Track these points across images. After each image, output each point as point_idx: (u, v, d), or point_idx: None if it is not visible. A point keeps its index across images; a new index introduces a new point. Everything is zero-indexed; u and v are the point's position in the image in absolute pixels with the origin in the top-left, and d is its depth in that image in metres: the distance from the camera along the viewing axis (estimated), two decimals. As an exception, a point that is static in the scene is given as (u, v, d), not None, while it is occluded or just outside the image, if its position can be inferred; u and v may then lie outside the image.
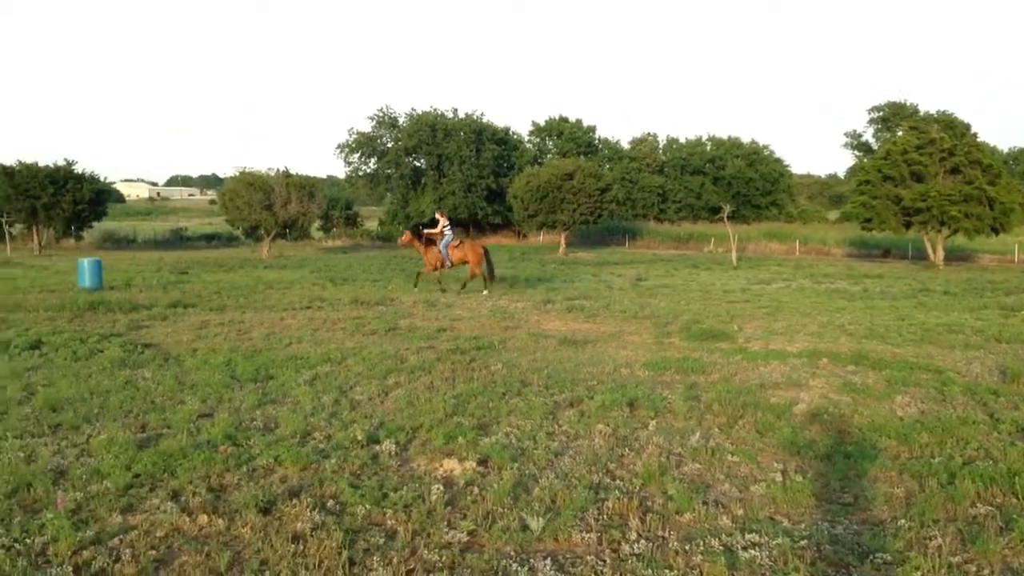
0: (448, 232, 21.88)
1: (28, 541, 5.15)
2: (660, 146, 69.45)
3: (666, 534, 5.41)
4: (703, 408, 8.73)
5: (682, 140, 69.81)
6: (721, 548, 5.21)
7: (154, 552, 5.06)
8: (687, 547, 5.21)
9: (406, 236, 22.74)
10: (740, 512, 5.85)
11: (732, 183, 65.81)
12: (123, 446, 6.98)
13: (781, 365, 11.24)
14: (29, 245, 42.16)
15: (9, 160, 42.73)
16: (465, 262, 21.97)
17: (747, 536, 5.38)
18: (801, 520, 5.78)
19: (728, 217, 39.10)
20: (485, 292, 21.12)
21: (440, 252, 21.65)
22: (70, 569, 4.78)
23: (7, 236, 40.81)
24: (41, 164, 42.27)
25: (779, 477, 6.57)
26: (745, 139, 69.67)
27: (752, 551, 5.16)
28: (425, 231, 22.44)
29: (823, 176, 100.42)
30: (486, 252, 22.14)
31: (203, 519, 5.55)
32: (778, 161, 69.24)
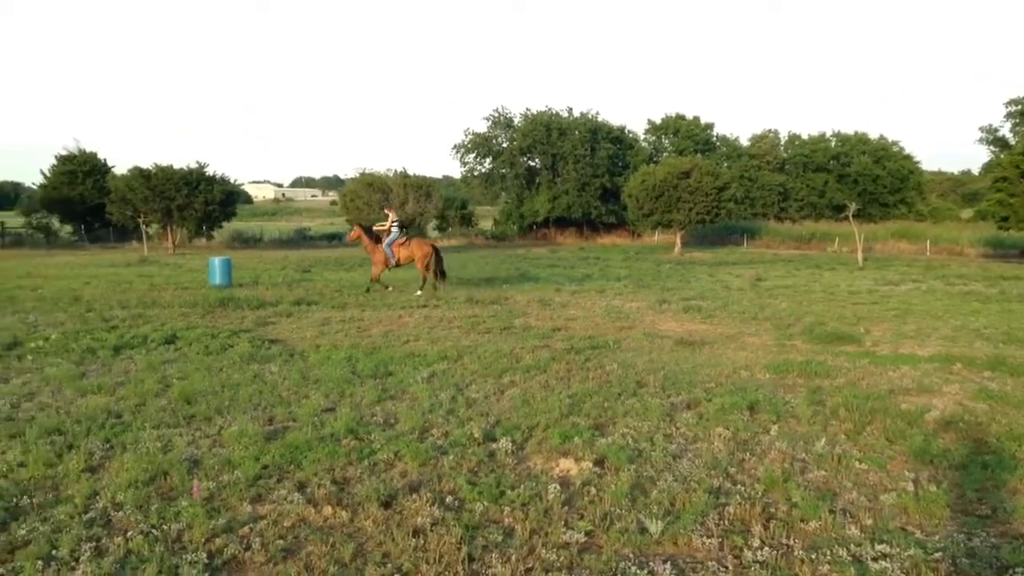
0: (395, 230, 21.20)
1: (165, 527, 5.39)
2: (781, 143, 67.55)
3: (791, 542, 5.25)
4: (828, 413, 8.44)
5: (804, 136, 67.72)
6: (849, 558, 5.02)
7: (282, 541, 5.23)
8: (813, 556, 5.04)
9: (355, 232, 22.01)
10: (869, 522, 5.62)
11: (858, 180, 63.45)
12: (252, 438, 7.26)
13: (912, 370, 10.78)
14: (164, 244, 44.31)
15: (146, 163, 45.06)
16: (412, 260, 21.15)
17: (877, 547, 5.17)
18: (935, 532, 5.52)
19: (853, 216, 37.65)
20: (419, 293, 20.20)
21: (384, 250, 21.01)
22: (204, 555, 4.98)
23: (144, 236, 43.04)
24: (176, 167, 44.41)
25: (911, 486, 6.29)
26: (873, 135, 67.11)
27: (882, 562, 4.96)
28: (375, 227, 21.92)
29: (956, 173, 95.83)
30: (435, 251, 21.31)
31: (328, 511, 5.70)
32: (907, 157, 66.32)
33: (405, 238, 21.53)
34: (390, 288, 20.90)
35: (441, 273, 21.29)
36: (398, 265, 21.39)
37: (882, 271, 30.41)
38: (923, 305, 18.63)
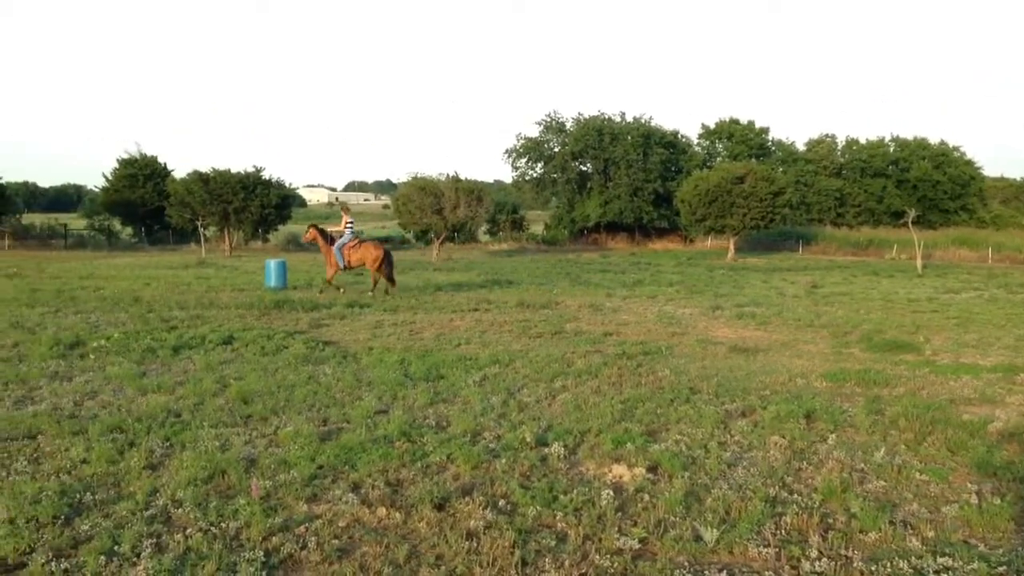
0: (347, 232, 20.91)
1: (223, 525, 5.48)
2: (838, 147, 66.45)
3: (850, 553, 5.16)
4: (887, 423, 8.28)
5: (863, 141, 66.55)
6: (911, 571, 4.92)
7: (337, 541, 5.28)
8: (873, 568, 4.94)
9: (310, 233, 21.66)
10: (931, 534, 5.50)
11: (918, 186, 62.15)
12: (307, 438, 7.34)
13: (973, 380, 10.53)
14: (221, 247, 45.04)
15: (205, 167, 45.92)
16: (363, 263, 20.91)
17: (939, 559, 5.05)
18: (999, 545, 5.38)
19: (913, 222, 36.88)
20: (370, 294, 20.09)
21: (335, 253, 20.71)
22: (261, 554, 5.05)
23: (202, 238, 43.81)
24: (233, 171, 45.16)
25: (974, 498, 6.14)
26: (933, 139, 65.67)
27: (945, 575, 4.85)
28: (330, 229, 21.68)
29: (1019, 179, 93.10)
30: (386, 254, 20.99)
31: (382, 512, 5.74)
32: (969, 163, 64.77)
33: (356, 241, 21.22)
34: (342, 290, 20.88)
35: (390, 278, 21.05)
36: (348, 268, 21.19)
37: (942, 279, 29.75)
38: (985, 314, 18.19)
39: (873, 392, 9.82)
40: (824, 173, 63.56)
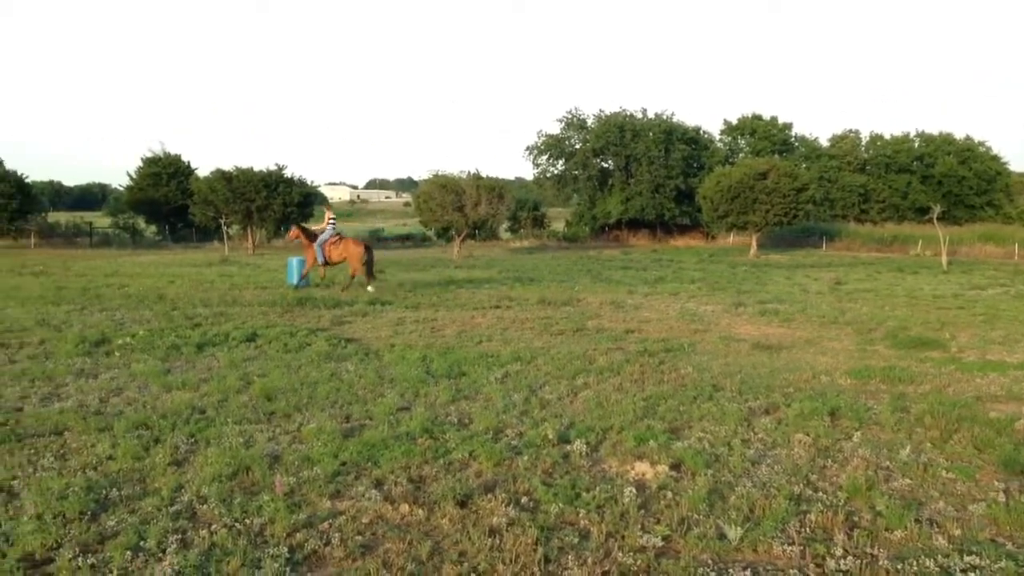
0: (328, 228, 21.22)
1: (247, 521, 5.51)
2: (862, 143, 65.94)
3: (875, 551, 5.11)
4: (913, 420, 8.20)
5: (887, 136, 66.00)
6: (937, 569, 4.87)
7: (360, 537, 5.30)
8: (899, 566, 4.90)
9: (293, 231, 22.19)
10: (957, 532, 5.45)
11: (943, 182, 61.58)
12: (330, 435, 7.37)
13: (1000, 377, 10.41)
14: (244, 245, 45.34)
15: (228, 165, 46.22)
16: (344, 259, 21.16)
17: (966, 558, 5.01)
18: (1028, 544, 5.31)
19: (938, 218, 36.52)
20: (343, 292, 20.20)
21: (316, 249, 21.01)
22: (285, 550, 5.07)
23: (225, 236, 44.14)
24: (256, 169, 45.42)
25: (1001, 496, 6.07)
26: (958, 135, 65.03)
27: (972, 574, 4.81)
28: (314, 228, 22.06)
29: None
30: (368, 250, 21.24)
31: (404, 508, 5.75)
32: (995, 158, 64.09)
33: (337, 237, 21.46)
34: (318, 285, 21.26)
35: (370, 274, 21.19)
36: (327, 264, 21.44)
37: (968, 275, 29.44)
38: (1011, 310, 17.98)
39: (898, 389, 9.73)
40: (848, 169, 63.10)
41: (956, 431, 7.79)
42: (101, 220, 59.06)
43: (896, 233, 51.58)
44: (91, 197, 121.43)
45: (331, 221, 21.56)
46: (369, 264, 21.19)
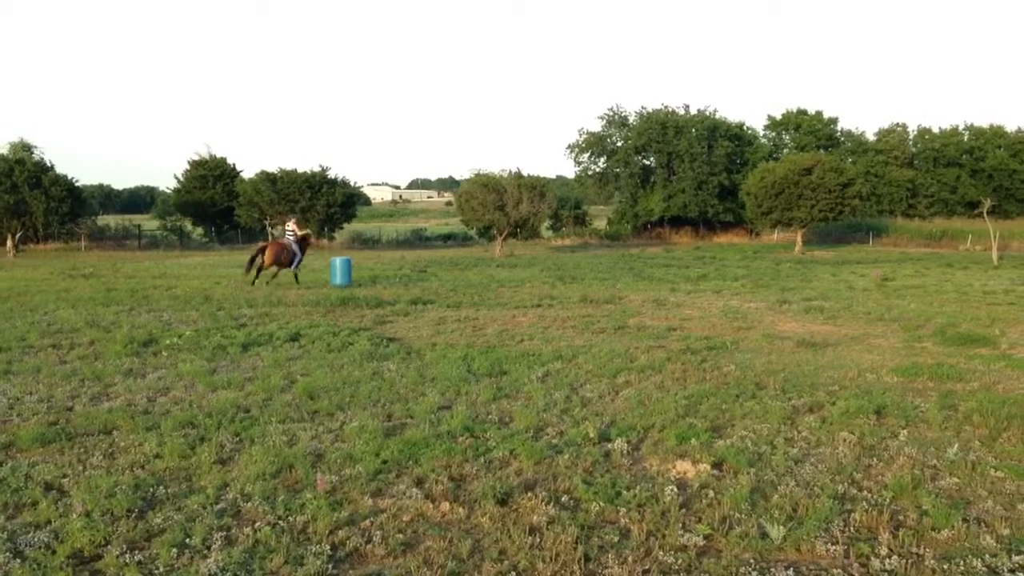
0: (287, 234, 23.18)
1: (290, 519, 5.57)
2: (910, 137, 64.77)
3: (921, 551, 5.02)
4: (961, 418, 8.05)
5: (935, 130, 64.72)
6: (984, 569, 4.78)
7: (401, 536, 5.33)
8: (945, 566, 4.81)
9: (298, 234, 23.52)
10: (1006, 532, 5.33)
11: (993, 175, 60.30)
12: (372, 433, 7.43)
13: (1053, 374, 10.16)
14: (288, 245, 45.82)
15: (272, 167, 46.76)
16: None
17: (1014, 558, 4.91)
18: (1079, 545, 5.18)
19: (988, 212, 35.75)
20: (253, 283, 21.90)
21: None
22: (327, 547, 5.12)
23: (270, 237, 44.62)
24: (299, 171, 45.92)
25: (1053, 497, 5.93)
26: (1009, 127, 63.59)
27: (1020, 574, 4.71)
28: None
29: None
30: (282, 248, 22.60)
31: (445, 507, 5.78)
32: (1048, 150, 62.57)
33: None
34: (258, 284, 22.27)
35: (261, 268, 22.54)
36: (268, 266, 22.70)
37: (1019, 270, 28.78)
38: (1066, 306, 17.54)
39: (946, 387, 9.55)
40: (895, 163, 62.04)
41: (1006, 429, 7.63)
42: (149, 223, 60.11)
43: (945, 228, 50.65)
44: (139, 200, 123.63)
45: (289, 232, 23.36)
46: (251, 262, 22.70)
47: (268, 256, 22.27)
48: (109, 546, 5.15)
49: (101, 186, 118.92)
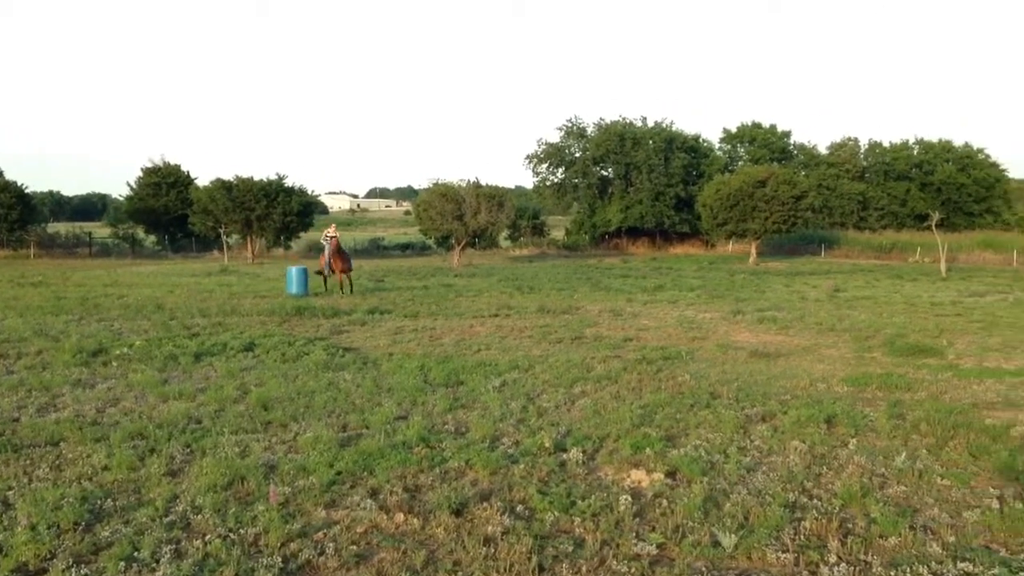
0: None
1: (242, 531, 5.51)
2: (861, 151, 65.95)
3: (869, 558, 5.12)
4: (909, 427, 8.21)
5: (886, 144, 65.98)
6: (931, 577, 4.87)
7: (355, 547, 5.30)
8: (892, 573, 4.91)
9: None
10: (952, 539, 5.45)
11: (941, 189, 61.58)
12: (327, 444, 7.38)
13: (997, 384, 10.42)
14: (244, 254, 45.30)
15: (228, 175, 46.09)
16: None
17: (959, 564, 5.01)
18: (1020, 550, 5.33)
19: (937, 225, 36.49)
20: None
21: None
22: (279, 560, 5.07)
23: (225, 245, 44.16)
24: (256, 178, 45.42)
25: (995, 503, 6.08)
26: (957, 142, 65.06)
27: (966, 583, 4.80)
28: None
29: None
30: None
31: (399, 518, 5.76)
32: (994, 165, 64.04)
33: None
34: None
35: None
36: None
37: (966, 282, 29.44)
38: (1009, 317, 17.99)
39: (895, 396, 9.74)
40: (847, 176, 63.10)
41: (952, 438, 7.80)
42: (101, 230, 59.05)
43: (895, 240, 51.59)
44: (91, 207, 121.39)
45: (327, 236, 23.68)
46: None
47: (340, 263, 22.99)
48: (55, 560, 5.05)
49: (51, 193, 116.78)
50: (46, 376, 10.51)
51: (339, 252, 23.27)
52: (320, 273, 23.53)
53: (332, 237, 23.45)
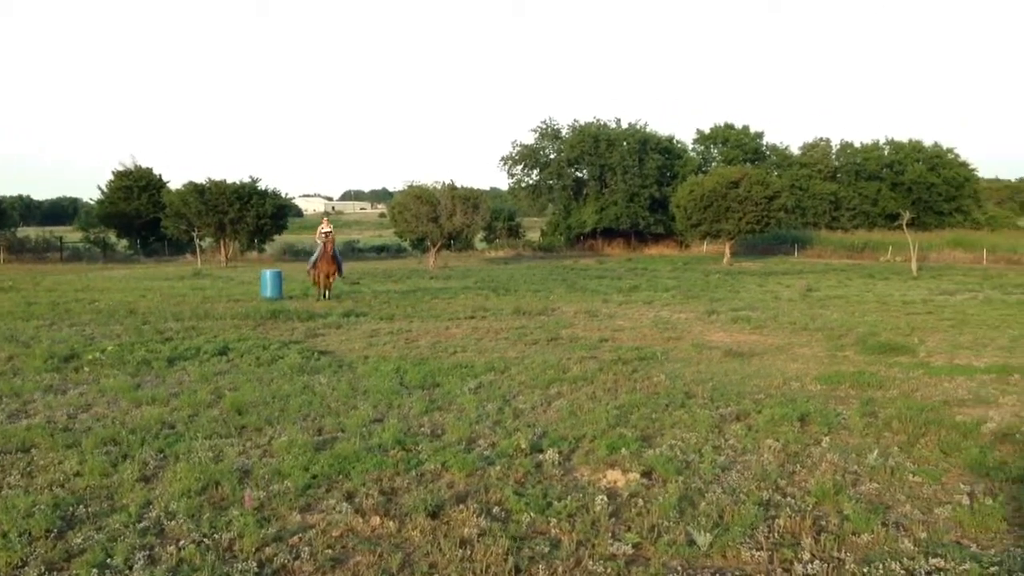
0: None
1: (216, 536, 5.48)
2: (833, 151, 66.59)
3: (842, 555, 5.17)
4: (881, 425, 8.30)
5: (857, 144, 66.67)
6: (903, 572, 4.94)
7: (330, 551, 5.29)
8: (865, 570, 4.96)
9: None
10: (923, 535, 5.52)
11: (912, 188, 62.29)
12: (302, 448, 7.35)
13: (967, 381, 10.55)
14: (217, 257, 44.97)
15: (200, 178, 45.67)
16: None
17: (931, 560, 5.08)
18: (991, 545, 5.40)
19: (907, 224, 36.90)
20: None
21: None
22: (254, 564, 5.05)
23: (198, 249, 43.80)
24: (229, 181, 45.11)
25: (966, 499, 6.16)
26: (927, 142, 65.84)
27: (937, 576, 4.86)
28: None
29: (1014, 180, 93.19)
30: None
31: (375, 521, 5.75)
32: (963, 164, 64.89)
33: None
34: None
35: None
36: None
37: (937, 280, 29.80)
38: (980, 315, 18.22)
39: (867, 394, 9.84)
40: (819, 176, 63.67)
41: (923, 435, 7.89)
42: (72, 235, 58.36)
43: (867, 240, 52.08)
44: (61, 211, 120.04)
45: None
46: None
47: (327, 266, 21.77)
48: (26, 567, 5.00)
49: (21, 197, 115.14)
50: (16, 382, 10.39)
51: (332, 256, 21.86)
52: (316, 283, 22.17)
53: (327, 232, 22.08)
